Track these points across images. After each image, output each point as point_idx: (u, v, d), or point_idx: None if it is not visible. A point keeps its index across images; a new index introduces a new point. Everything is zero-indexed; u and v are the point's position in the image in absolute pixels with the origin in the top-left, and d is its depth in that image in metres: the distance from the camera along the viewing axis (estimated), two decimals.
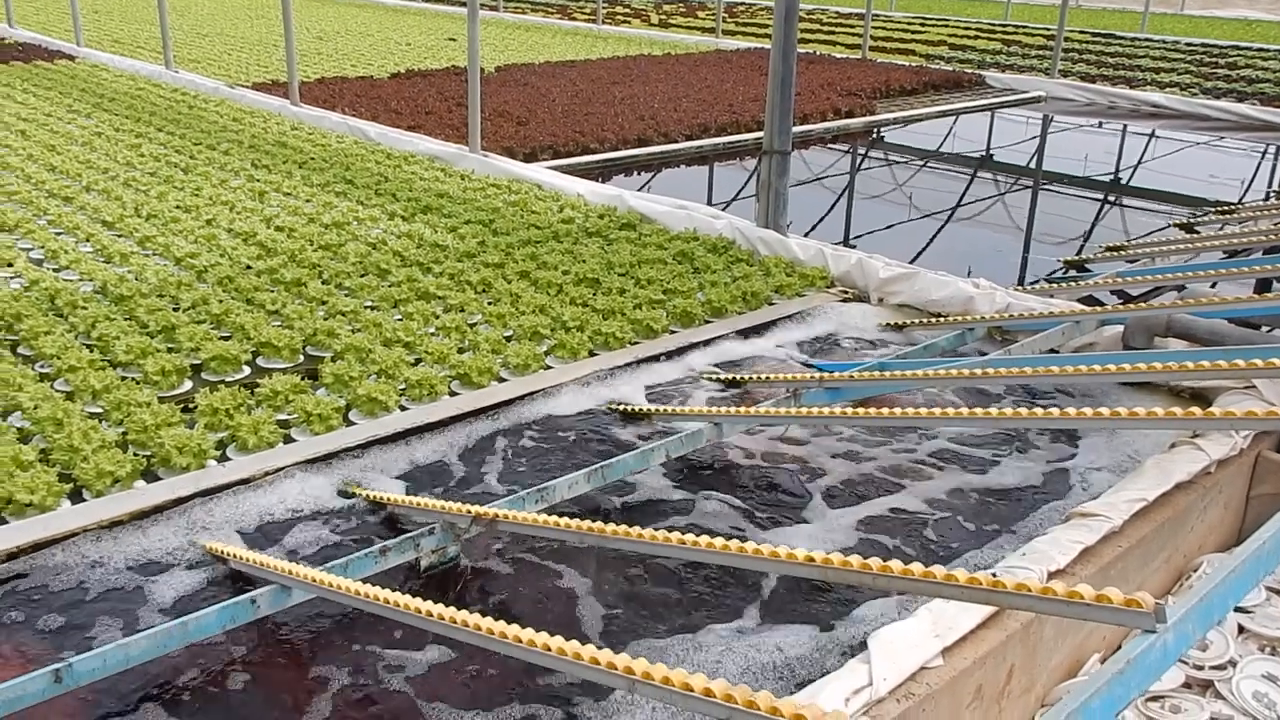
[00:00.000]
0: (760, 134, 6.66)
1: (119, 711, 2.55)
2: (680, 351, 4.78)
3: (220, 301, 4.94)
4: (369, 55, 14.35)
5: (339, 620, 2.90)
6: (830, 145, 10.52)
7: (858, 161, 10.12)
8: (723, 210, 6.79)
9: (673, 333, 4.98)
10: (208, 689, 2.63)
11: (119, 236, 6.03)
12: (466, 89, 8.02)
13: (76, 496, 3.40)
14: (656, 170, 9.22)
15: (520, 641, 1.97)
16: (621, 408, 4.18)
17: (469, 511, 3.01)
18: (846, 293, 5.53)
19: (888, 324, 5.11)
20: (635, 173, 9.08)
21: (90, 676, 2.48)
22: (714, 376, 4.50)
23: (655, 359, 4.69)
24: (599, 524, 2.68)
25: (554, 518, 2.83)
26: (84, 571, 3.04)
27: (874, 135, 11.04)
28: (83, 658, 2.47)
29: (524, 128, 9.65)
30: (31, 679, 2.41)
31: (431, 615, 2.24)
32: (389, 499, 3.37)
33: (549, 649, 1.92)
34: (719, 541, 2.37)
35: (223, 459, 3.66)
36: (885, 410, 3.40)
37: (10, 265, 5.45)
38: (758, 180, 6.34)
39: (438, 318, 4.90)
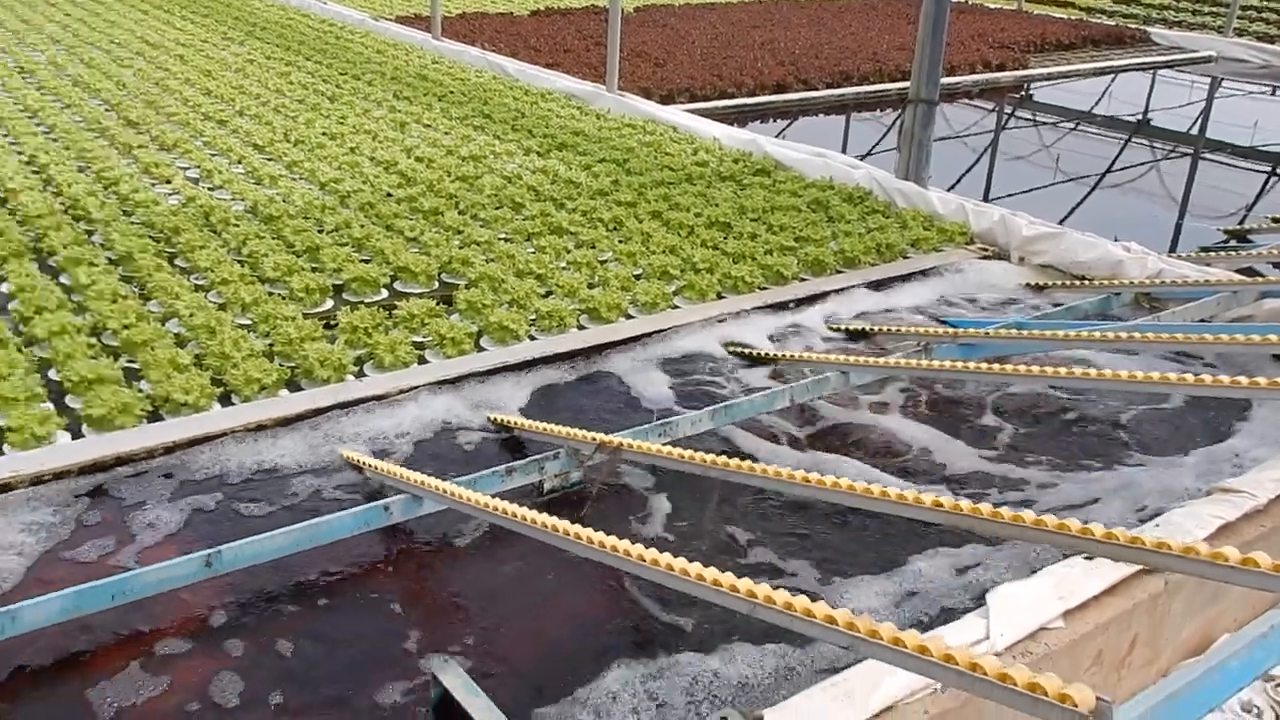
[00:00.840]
0: (905, 84, 6.51)
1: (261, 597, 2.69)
2: (810, 300, 4.73)
3: (362, 226, 5.08)
4: None
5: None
6: (976, 100, 10.20)
7: (1004, 119, 9.80)
8: (860, 160, 6.66)
9: (803, 280, 4.93)
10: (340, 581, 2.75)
11: (269, 160, 6.23)
12: (605, 28, 8.01)
13: (226, 400, 3.56)
14: (794, 117, 9.08)
15: (645, 561, 2.00)
16: (746, 351, 4.17)
17: (594, 439, 3.05)
18: (986, 250, 5.39)
19: (1028, 284, 4.97)
20: (772, 119, 8.96)
21: (235, 564, 2.62)
22: (842, 326, 4.45)
23: (784, 305, 4.65)
24: (721, 458, 2.70)
25: (677, 449, 2.86)
26: (232, 468, 3.20)
27: (1024, 91, 10.66)
28: (230, 547, 2.61)
29: (661, 69, 9.60)
30: (184, 562, 2.56)
31: (558, 530, 2.29)
32: (516, 423, 3.44)
33: (673, 569, 1.95)
34: (844, 481, 2.36)
35: (360, 375, 3.79)
36: (1022, 368, 3.32)
37: (169, 182, 5.69)
38: (899, 130, 6.20)
39: (569, 252, 4.96)
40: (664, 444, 3.21)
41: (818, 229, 5.36)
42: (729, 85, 9.18)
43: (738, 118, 8.61)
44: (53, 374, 3.68)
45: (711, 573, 1.89)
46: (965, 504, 2.14)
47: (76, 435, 3.35)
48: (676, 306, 4.56)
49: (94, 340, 3.87)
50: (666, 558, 1.99)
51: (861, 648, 1.60)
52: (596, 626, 2.66)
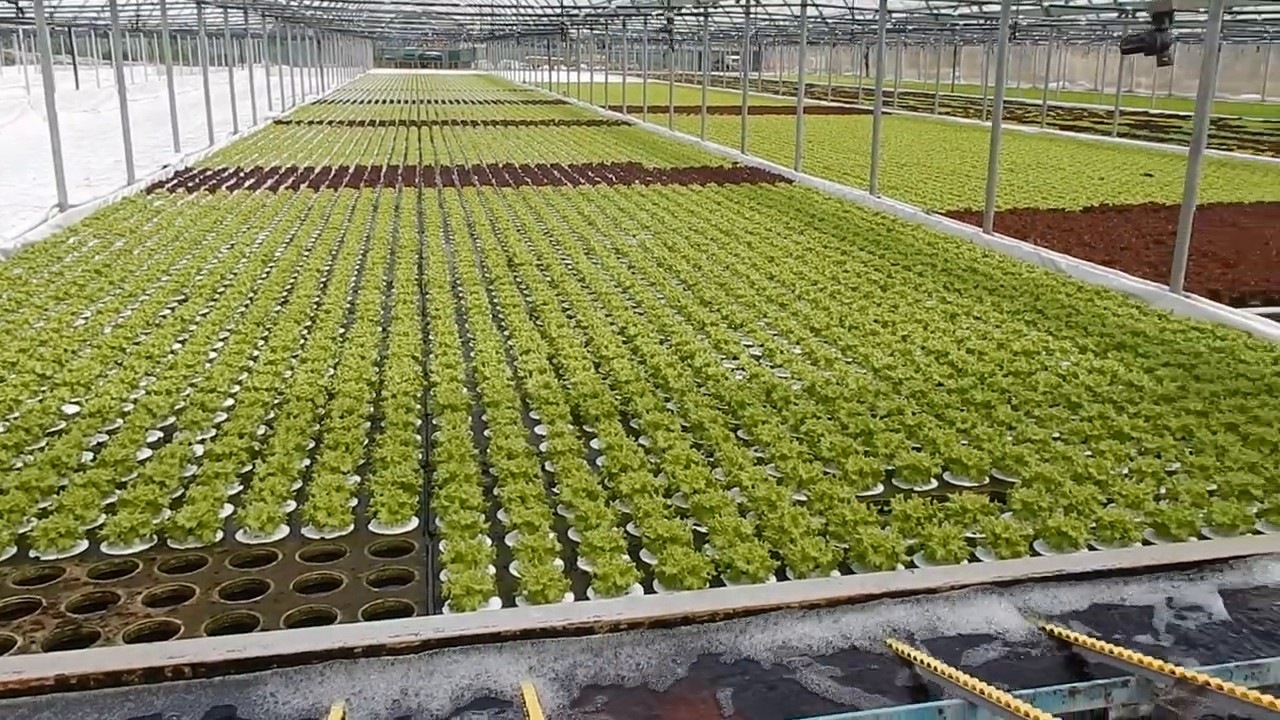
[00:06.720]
0: None
1: None
2: None
3: (914, 414, 5.18)
4: (1060, 188, 14.26)
5: None
6: None
7: None
8: None
9: None
10: None
11: (825, 343, 6.60)
12: (1165, 226, 7.64)
13: (780, 574, 3.74)
14: None
15: None
16: None
17: (1172, 672, 2.80)
18: None
19: None
20: None
21: None
22: None
23: None
24: None
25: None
26: (787, 644, 3.32)
27: None
28: None
29: (1231, 270, 8.93)
30: None
31: None
32: (1078, 639, 3.25)
33: None
34: None
35: (910, 565, 3.81)
36: None
37: (736, 358, 6.21)
38: None
39: (1131, 460, 4.68)
40: (1254, 689, 2.87)
41: None
42: None
43: None
44: (631, 528, 4.10)
45: None
46: None
47: (648, 589, 3.67)
48: (1260, 532, 4.11)
49: (668, 501, 4.26)
50: None
51: None
52: None
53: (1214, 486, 4.45)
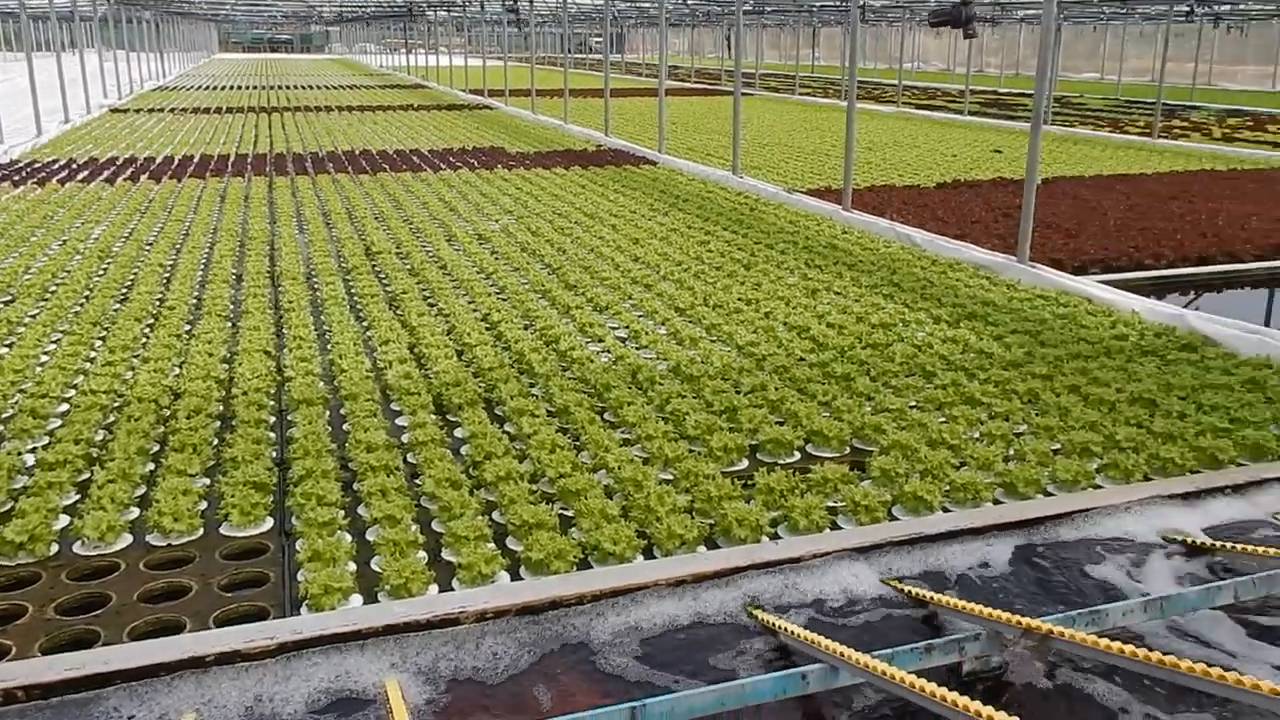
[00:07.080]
0: None
1: None
2: (1249, 487, 4.31)
3: (776, 389, 5.26)
4: (915, 165, 14.67)
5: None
6: None
7: None
8: None
9: (1240, 465, 4.51)
10: None
11: (690, 322, 6.66)
12: (1013, 200, 7.93)
13: (648, 552, 3.77)
14: (1218, 291, 8.45)
15: None
16: (1182, 539, 3.85)
17: (1019, 623, 2.92)
18: None
19: None
20: (1194, 292, 8.39)
21: (660, 719, 2.72)
22: None
23: (1220, 491, 4.28)
24: (1170, 657, 2.49)
25: (1116, 643, 2.67)
26: (653, 621, 3.34)
27: None
28: (655, 700, 2.72)
29: (1073, 240, 9.34)
30: (611, 712, 2.69)
31: (980, 716, 2.21)
32: (932, 598, 3.36)
33: None
34: None
35: (774, 537, 3.87)
36: None
37: (601, 341, 6.21)
38: None
39: (982, 424, 4.86)
40: (1094, 634, 3.01)
41: (1255, 411, 4.93)
42: (1146, 257, 8.78)
43: (1156, 290, 8.14)
44: (496, 515, 4.06)
45: None
46: None
47: (515, 576, 3.64)
48: (1099, 486, 4.32)
49: (534, 486, 4.24)
50: None
51: None
52: None
53: (1058, 445, 4.66)
